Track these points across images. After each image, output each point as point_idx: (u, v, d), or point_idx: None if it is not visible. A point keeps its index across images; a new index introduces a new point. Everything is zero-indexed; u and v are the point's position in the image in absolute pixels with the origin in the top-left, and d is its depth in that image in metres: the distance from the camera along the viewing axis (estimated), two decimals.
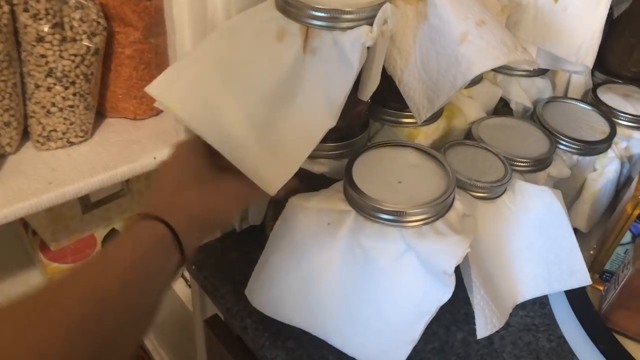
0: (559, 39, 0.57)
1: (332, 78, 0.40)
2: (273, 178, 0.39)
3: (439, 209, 0.44)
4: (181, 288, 1.02)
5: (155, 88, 0.39)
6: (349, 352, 0.47)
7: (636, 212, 0.52)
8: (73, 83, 0.59)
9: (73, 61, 0.58)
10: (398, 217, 0.43)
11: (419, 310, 0.44)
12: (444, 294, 0.43)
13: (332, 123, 0.40)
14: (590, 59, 0.57)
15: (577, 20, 0.56)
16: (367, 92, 0.43)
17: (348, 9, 0.39)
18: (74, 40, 0.58)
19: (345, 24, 0.39)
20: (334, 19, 0.39)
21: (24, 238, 0.91)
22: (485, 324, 0.50)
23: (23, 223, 0.88)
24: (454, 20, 0.43)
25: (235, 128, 0.38)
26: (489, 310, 0.50)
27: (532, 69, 0.58)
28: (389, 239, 0.43)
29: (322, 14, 0.39)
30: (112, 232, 0.87)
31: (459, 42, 0.43)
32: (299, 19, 0.40)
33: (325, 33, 0.39)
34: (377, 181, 0.45)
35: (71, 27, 0.57)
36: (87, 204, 0.83)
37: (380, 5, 0.39)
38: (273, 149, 0.39)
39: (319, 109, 0.40)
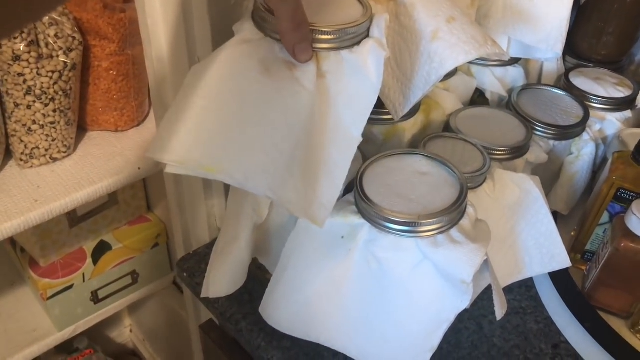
0: (528, 28, 0.58)
1: (351, 97, 0.40)
2: (317, 210, 0.38)
3: (453, 217, 0.43)
4: (174, 295, 1.03)
5: (168, 151, 0.36)
6: None
7: (612, 193, 0.53)
8: (52, 99, 0.59)
9: (51, 78, 0.58)
10: (413, 228, 0.42)
11: (437, 319, 0.43)
12: (462, 301, 0.42)
13: (360, 138, 0.40)
14: (559, 46, 0.58)
15: (545, 9, 0.57)
16: None
17: (351, 26, 0.39)
18: (51, 56, 0.58)
19: (348, 42, 0.40)
20: (340, 39, 0.40)
21: (12, 256, 0.91)
22: (502, 304, 0.50)
23: (11, 241, 0.88)
24: (424, 19, 0.44)
25: (268, 165, 0.37)
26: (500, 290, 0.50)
27: (506, 59, 0.60)
28: (404, 249, 0.43)
29: (328, 36, 0.39)
30: (101, 244, 0.87)
31: (431, 39, 0.44)
32: None
33: (334, 54, 0.40)
34: (389, 191, 0.44)
35: (47, 44, 0.57)
36: (74, 217, 0.83)
37: (372, 16, 0.41)
38: (310, 180, 0.39)
39: (343, 131, 0.41)
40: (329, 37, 0.40)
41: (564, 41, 0.58)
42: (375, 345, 0.46)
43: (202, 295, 0.51)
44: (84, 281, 0.86)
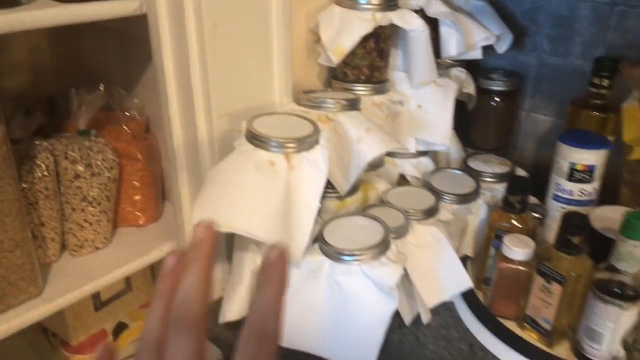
0: (426, 130, 0.87)
1: (310, 181, 0.66)
2: (294, 251, 0.63)
3: (382, 249, 0.68)
4: None
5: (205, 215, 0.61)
6: (336, 359, 0.68)
7: (492, 233, 0.79)
8: (99, 204, 0.83)
9: (99, 188, 0.82)
10: (356, 257, 0.66)
11: (378, 319, 0.66)
12: (393, 304, 0.65)
13: (318, 205, 0.66)
14: (447, 141, 0.86)
15: (434, 118, 0.86)
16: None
17: (308, 137, 0.66)
18: (99, 174, 0.82)
19: (307, 146, 0.66)
20: (301, 145, 0.66)
21: (42, 345, 1.08)
22: (425, 313, 0.73)
23: (42, 329, 1.06)
24: (351, 130, 0.71)
25: (262, 221, 0.62)
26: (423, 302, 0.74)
27: (414, 151, 0.88)
28: (352, 273, 0.66)
29: (294, 144, 0.66)
30: (120, 324, 1.06)
31: (357, 142, 0.71)
32: (279, 150, 0.66)
33: (298, 155, 0.66)
34: (340, 237, 0.69)
35: (96, 165, 0.82)
36: (98, 302, 1.03)
37: (320, 131, 0.68)
38: (289, 232, 0.64)
39: (307, 202, 0.66)
40: (295, 145, 0.66)
41: (450, 138, 0.87)
42: (340, 344, 0.67)
43: (220, 321, 0.72)
44: None
